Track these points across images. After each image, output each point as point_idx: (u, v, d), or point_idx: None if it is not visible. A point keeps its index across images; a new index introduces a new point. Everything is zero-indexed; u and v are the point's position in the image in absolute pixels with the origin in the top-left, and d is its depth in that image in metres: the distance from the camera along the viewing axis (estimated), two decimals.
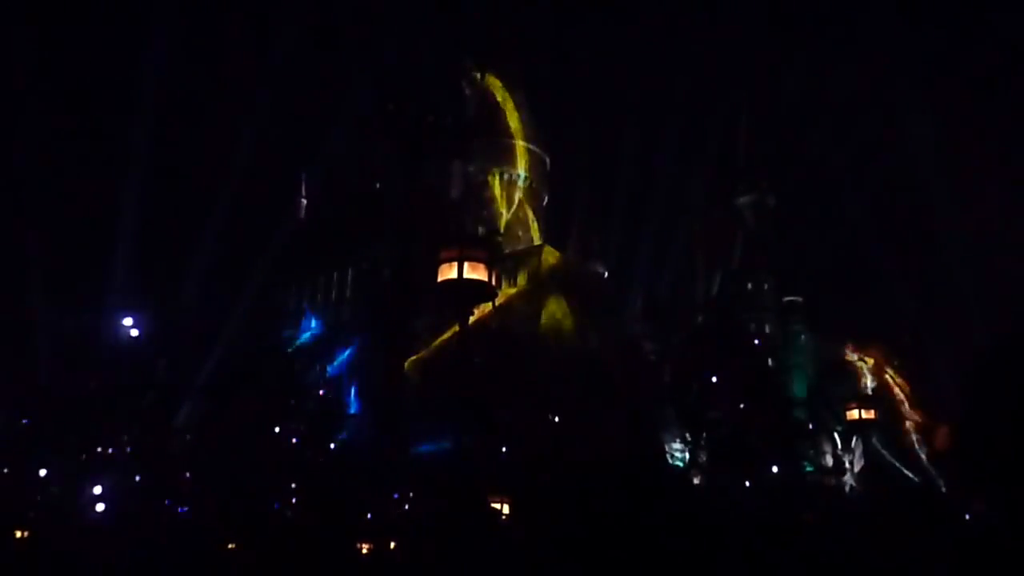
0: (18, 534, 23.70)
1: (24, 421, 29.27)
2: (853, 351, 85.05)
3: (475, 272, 7.08)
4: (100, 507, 27.06)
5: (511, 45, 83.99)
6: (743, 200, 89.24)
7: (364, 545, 22.22)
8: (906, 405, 78.20)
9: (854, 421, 17.36)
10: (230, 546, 22.65)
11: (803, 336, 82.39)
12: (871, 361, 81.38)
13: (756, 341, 35.39)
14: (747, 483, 26.88)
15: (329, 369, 60.23)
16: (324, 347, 67.19)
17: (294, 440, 33.16)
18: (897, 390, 79.73)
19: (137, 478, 29.06)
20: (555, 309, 61.28)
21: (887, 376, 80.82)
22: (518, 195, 78.85)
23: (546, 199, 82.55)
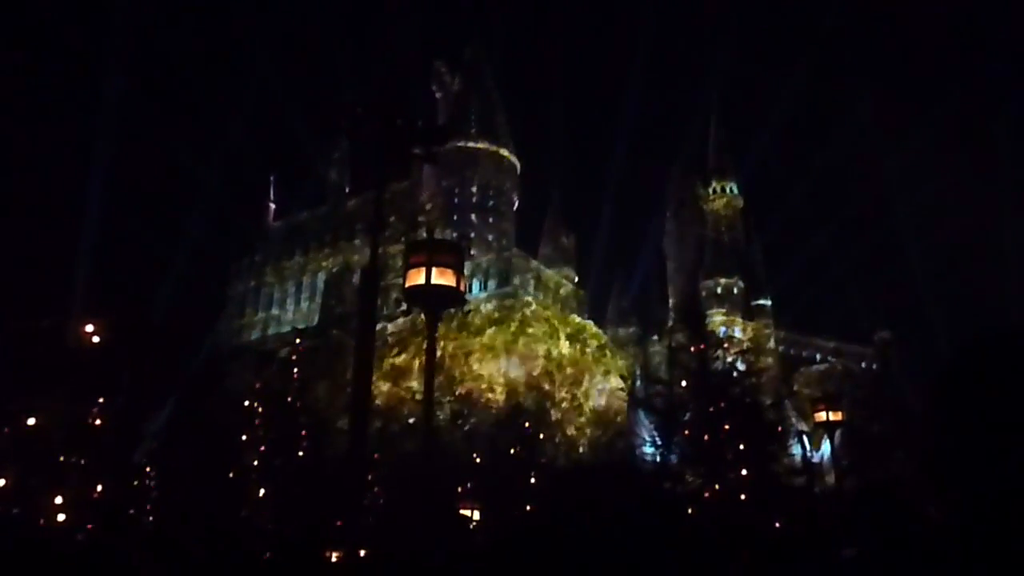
0: None
1: None
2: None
3: (443, 278, 7.01)
4: (61, 517, 26.49)
5: (482, 48, 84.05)
6: (713, 202, 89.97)
7: (334, 553, 22.00)
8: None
9: (822, 422, 17.44)
10: (197, 555, 22.30)
11: (772, 337, 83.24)
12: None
13: (725, 344, 35.60)
14: (717, 486, 26.98)
15: None
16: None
17: (262, 448, 32.72)
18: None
19: (100, 488, 28.49)
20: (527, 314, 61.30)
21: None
22: (488, 199, 78.71)
23: (516, 203, 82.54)
